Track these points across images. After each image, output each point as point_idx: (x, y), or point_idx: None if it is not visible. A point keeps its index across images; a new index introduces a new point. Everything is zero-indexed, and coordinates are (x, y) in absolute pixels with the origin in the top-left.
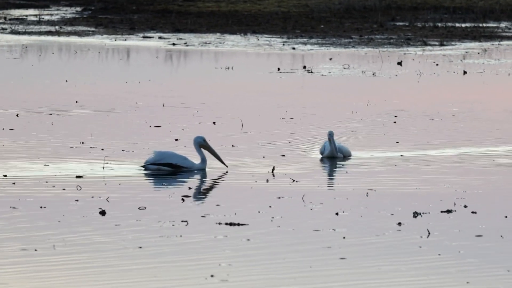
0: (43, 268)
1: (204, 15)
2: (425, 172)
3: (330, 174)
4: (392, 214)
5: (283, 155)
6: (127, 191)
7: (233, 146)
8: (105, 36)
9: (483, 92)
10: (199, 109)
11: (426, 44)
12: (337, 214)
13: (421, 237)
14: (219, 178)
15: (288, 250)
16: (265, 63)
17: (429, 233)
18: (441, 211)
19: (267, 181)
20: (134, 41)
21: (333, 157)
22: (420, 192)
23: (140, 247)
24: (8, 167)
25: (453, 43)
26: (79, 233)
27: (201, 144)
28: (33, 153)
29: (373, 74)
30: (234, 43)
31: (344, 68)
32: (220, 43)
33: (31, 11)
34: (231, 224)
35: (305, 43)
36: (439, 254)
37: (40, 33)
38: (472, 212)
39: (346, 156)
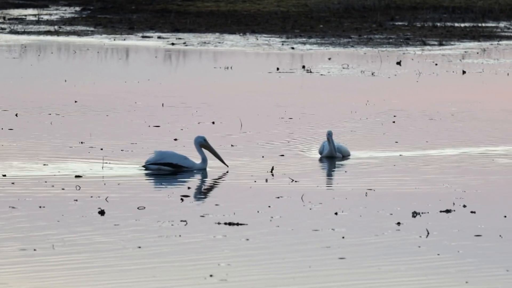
0: (42, 268)
1: (203, 15)
2: (424, 172)
3: (329, 174)
4: (391, 214)
5: (282, 155)
6: (127, 191)
7: (232, 146)
8: (104, 35)
9: (482, 91)
10: (198, 109)
11: (425, 44)
12: (336, 214)
13: (420, 237)
14: (218, 178)
15: (288, 250)
16: (264, 63)
17: (428, 233)
18: (440, 211)
19: (266, 181)
20: (133, 40)
21: (332, 157)
22: (419, 192)
23: (140, 247)
24: (7, 167)
25: (452, 43)
26: (78, 233)
27: (202, 143)
28: (32, 153)
29: (372, 74)
30: (233, 42)
31: (343, 68)
32: (219, 43)
33: (30, 11)
34: (230, 224)
35: (304, 43)
36: (438, 254)
37: (39, 33)
38: (471, 212)
39: (345, 156)
